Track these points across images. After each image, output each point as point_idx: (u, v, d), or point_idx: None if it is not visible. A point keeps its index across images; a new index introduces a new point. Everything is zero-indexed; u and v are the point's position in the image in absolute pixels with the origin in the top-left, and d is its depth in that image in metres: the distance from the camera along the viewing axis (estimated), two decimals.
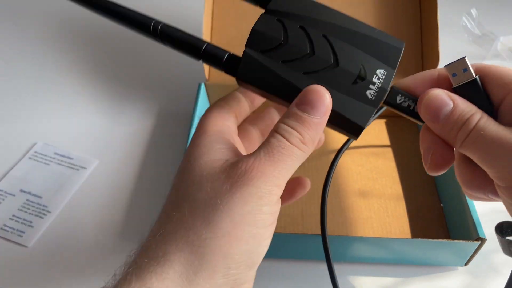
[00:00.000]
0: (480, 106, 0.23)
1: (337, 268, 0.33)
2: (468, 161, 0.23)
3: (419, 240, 0.37)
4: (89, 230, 0.40)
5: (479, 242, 0.36)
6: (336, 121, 0.24)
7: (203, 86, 0.48)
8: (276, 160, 0.21)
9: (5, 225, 0.40)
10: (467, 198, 0.38)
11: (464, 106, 0.22)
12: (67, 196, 0.42)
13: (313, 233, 0.36)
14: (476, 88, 0.24)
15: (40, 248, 0.39)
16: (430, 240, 0.37)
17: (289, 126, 0.21)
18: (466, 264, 0.39)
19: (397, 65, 0.24)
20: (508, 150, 0.20)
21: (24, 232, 0.39)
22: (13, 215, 0.41)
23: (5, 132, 0.49)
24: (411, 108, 0.25)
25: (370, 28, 0.25)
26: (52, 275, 0.37)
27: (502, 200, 0.22)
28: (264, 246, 0.21)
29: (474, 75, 0.23)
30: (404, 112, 0.25)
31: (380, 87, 0.24)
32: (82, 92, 0.54)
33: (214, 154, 0.22)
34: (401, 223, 0.42)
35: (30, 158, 0.46)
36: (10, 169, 0.44)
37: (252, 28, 0.25)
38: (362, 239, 0.38)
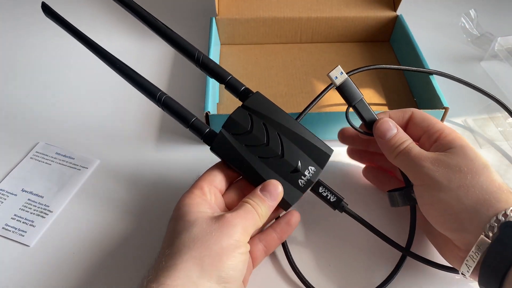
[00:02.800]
0: (353, 95, 0.35)
1: None
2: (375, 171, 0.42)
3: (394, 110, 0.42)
4: (90, 229, 0.40)
5: (444, 110, 0.44)
6: None
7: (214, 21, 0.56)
8: (248, 218, 0.31)
9: (6, 225, 0.40)
10: (431, 77, 0.47)
11: (403, 134, 0.34)
12: (68, 196, 0.42)
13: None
14: (350, 85, 0.35)
15: (41, 247, 0.39)
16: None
17: (255, 202, 0.32)
18: None
19: (324, 166, 0.34)
20: (421, 163, 0.32)
21: (25, 232, 0.40)
22: (15, 215, 0.41)
23: (7, 132, 0.49)
24: (328, 197, 0.35)
25: (312, 135, 0.34)
26: (54, 275, 0.37)
27: (416, 195, 0.33)
28: (240, 268, 0.30)
29: (346, 75, 0.35)
30: (322, 199, 0.35)
31: (309, 179, 0.33)
32: (82, 92, 0.54)
33: (203, 208, 0.31)
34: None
35: (31, 158, 0.46)
36: (12, 169, 0.45)
37: (229, 116, 0.34)
38: (339, 114, 0.44)
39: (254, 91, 0.35)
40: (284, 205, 0.33)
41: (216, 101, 0.50)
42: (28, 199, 0.42)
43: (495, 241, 0.28)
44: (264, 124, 0.34)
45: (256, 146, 0.33)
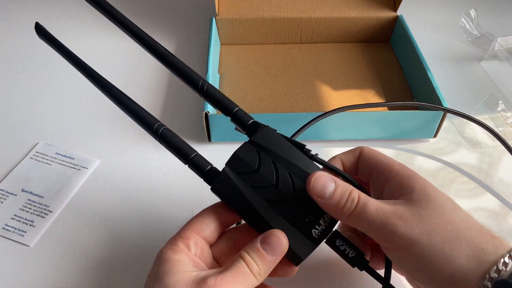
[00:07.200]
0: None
1: (312, 146, 0.34)
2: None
3: (395, 112, 0.45)
4: (90, 230, 0.40)
5: (443, 112, 0.44)
6: None
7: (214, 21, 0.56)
8: (238, 282, 0.26)
9: (6, 225, 0.40)
10: (431, 78, 0.47)
11: (343, 185, 0.28)
12: (68, 196, 0.42)
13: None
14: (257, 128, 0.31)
15: (41, 247, 0.39)
16: (405, 111, 0.44)
17: (252, 258, 0.27)
18: (435, 136, 0.47)
19: None
20: (388, 221, 0.26)
21: (25, 232, 0.40)
22: (15, 215, 0.41)
23: (7, 132, 0.49)
24: (346, 252, 0.30)
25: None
26: (54, 275, 0.37)
27: (393, 261, 0.29)
28: None
29: (237, 126, 0.31)
30: (339, 254, 0.30)
31: (324, 229, 0.28)
32: (82, 92, 0.54)
33: (186, 266, 0.27)
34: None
35: (31, 158, 0.46)
36: (12, 169, 0.45)
37: (234, 152, 0.30)
38: (344, 114, 0.44)
39: (264, 126, 0.31)
40: (293, 259, 0.28)
41: None
42: (28, 199, 0.42)
43: None
44: (273, 163, 0.29)
45: (263, 188, 0.29)
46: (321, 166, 0.31)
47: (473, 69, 0.58)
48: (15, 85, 0.55)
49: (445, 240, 0.26)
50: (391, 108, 0.50)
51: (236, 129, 0.32)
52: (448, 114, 0.44)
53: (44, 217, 0.41)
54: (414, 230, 0.26)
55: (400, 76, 0.55)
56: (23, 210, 0.41)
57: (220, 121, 0.44)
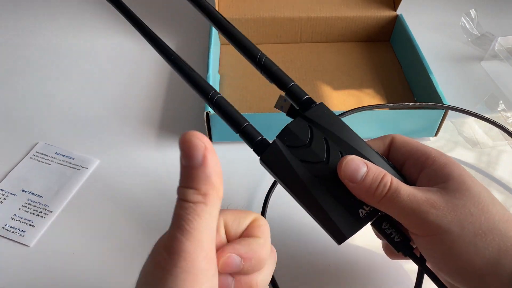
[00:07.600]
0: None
1: None
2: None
3: (396, 111, 0.45)
4: (90, 230, 0.40)
5: (444, 110, 0.44)
6: (326, 223, 0.28)
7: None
8: (191, 232, 0.19)
9: (6, 225, 0.40)
10: (431, 76, 0.47)
11: (375, 168, 0.28)
12: (68, 196, 0.42)
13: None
14: (294, 109, 0.31)
15: (41, 247, 0.39)
16: (406, 110, 0.44)
17: (183, 186, 0.20)
18: (436, 135, 0.48)
19: None
20: (420, 208, 0.26)
21: (25, 232, 0.40)
22: (15, 215, 0.41)
23: (6, 132, 0.49)
24: (392, 236, 0.29)
25: (381, 160, 0.29)
26: (54, 275, 0.37)
27: (419, 247, 0.28)
28: None
29: (291, 102, 0.31)
30: (385, 237, 0.29)
31: (372, 210, 0.28)
32: (82, 92, 0.54)
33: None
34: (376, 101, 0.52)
35: (31, 158, 0.46)
36: (12, 169, 0.45)
37: (286, 126, 0.30)
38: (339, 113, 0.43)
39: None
40: (337, 235, 0.28)
41: None
42: (28, 199, 0.42)
43: None
44: (325, 140, 0.29)
45: (313, 163, 0.28)
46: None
47: (473, 69, 0.58)
48: (15, 85, 0.55)
49: (478, 231, 0.25)
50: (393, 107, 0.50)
51: (276, 106, 0.32)
52: (449, 113, 0.44)
53: (44, 217, 0.41)
54: (446, 218, 0.25)
55: (400, 75, 0.55)
56: (23, 210, 0.41)
57: (221, 121, 0.44)
